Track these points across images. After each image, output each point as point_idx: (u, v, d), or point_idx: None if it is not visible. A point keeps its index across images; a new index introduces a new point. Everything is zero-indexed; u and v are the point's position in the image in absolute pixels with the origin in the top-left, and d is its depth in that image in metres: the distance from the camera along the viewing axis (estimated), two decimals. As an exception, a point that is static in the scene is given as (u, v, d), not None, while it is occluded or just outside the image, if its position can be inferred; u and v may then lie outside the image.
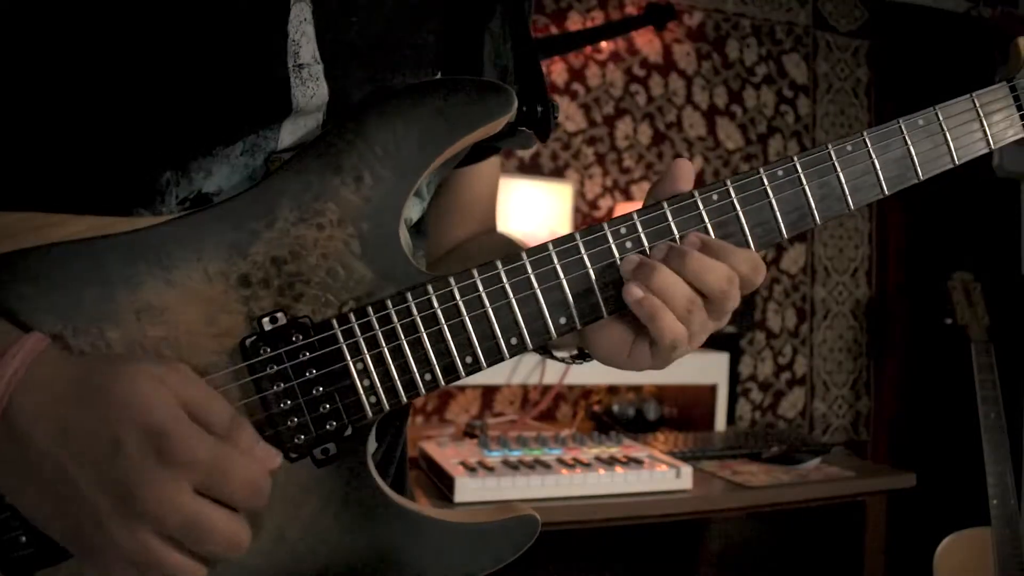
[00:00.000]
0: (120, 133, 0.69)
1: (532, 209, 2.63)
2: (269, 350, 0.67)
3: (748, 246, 0.74)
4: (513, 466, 1.86)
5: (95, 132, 0.69)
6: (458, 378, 0.71)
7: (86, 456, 0.57)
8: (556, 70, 2.90)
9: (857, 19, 3.35)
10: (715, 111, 3.13)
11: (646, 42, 3.03)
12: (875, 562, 2.23)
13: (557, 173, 2.92)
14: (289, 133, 0.74)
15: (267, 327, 0.68)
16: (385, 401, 0.70)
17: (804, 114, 3.26)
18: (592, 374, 2.32)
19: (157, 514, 0.56)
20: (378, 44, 0.78)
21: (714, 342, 2.56)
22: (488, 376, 2.35)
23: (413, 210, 0.86)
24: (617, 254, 0.73)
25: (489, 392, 2.81)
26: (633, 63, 3.02)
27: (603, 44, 2.97)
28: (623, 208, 2.91)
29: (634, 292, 0.70)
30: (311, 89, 0.73)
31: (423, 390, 0.71)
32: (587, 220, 2.94)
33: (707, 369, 2.54)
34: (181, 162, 0.70)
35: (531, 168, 2.87)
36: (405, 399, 0.70)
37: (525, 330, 0.72)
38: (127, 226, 0.67)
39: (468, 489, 1.74)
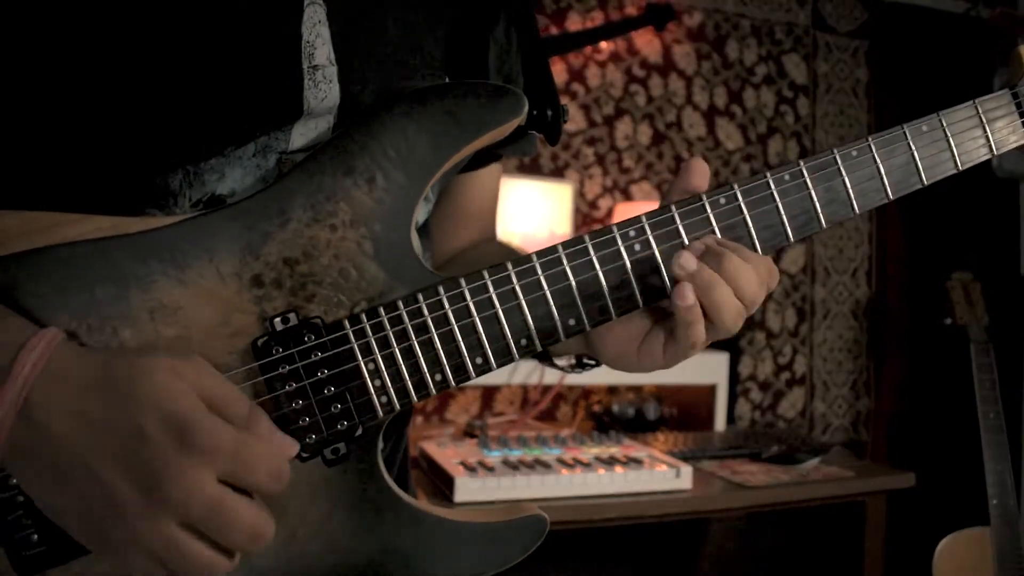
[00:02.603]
0: (131, 134, 0.69)
1: (532, 209, 2.63)
2: (281, 350, 0.68)
3: (755, 249, 0.75)
4: (513, 466, 1.86)
5: (107, 132, 0.69)
6: (468, 378, 0.72)
7: (108, 446, 0.57)
8: (556, 70, 2.90)
9: (857, 19, 3.35)
10: (715, 111, 3.14)
11: (646, 42, 3.03)
12: (875, 562, 2.24)
13: (557, 173, 2.92)
14: (300, 135, 0.74)
15: (279, 327, 0.68)
16: (396, 401, 0.70)
17: (804, 114, 3.26)
18: (592, 374, 2.32)
19: (181, 502, 0.56)
20: (390, 48, 0.79)
21: (714, 342, 2.55)
22: (488, 376, 2.34)
23: (419, 212, 0.86)
24: (626, 256, 0.73)
25: (489, 392, 2.81)
26: (633, 63, 3.02)
27: (603, 44, 2.97)
28: (623, 208, 2.92)
29: (688, 297, 0.69)
30: (323, 91, 0.74)
31: (434, 390, 0.71)
32: (587, 220, 2.95)
33: (707, 369, 2.55)
34: (193, 163, 0.71)
35: (531, 168, 2.87)
36: (416, 399, 0.71)
37: (535, 331, 0.72)
38: (141, 226, 0.67)
39: (468, 489, 1.74)
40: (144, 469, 0.56)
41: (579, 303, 0.73)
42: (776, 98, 3.22)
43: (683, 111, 3.09)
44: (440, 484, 1.84)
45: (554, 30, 2.89)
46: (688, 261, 0.70)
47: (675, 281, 0.71)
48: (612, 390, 2.78)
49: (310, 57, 0.73)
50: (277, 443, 0.62)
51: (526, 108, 0.74)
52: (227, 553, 0.60)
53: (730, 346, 2.73)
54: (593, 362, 0.84)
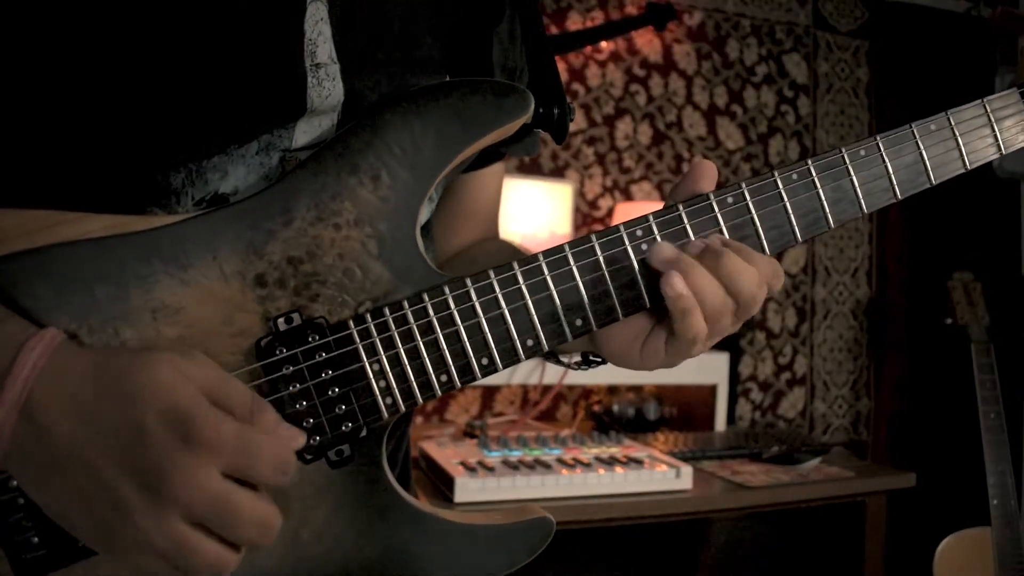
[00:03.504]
0: (133, 132, 0.69)
1: (532, 209, 2.62)
2: (285, 351, 0.67)
3: (763, 249, 0.74)
4: (513, 466, 1.86)
5: (108, 130, 0.68)
6: (474, 379, 0.71)
7: (110, 445, 0.56)
8: (556, 69, 2.90)
9: (857, 19, 3.35)
10: (715, 111, 3.13)
11: (646, 42, 3.03)
12: (875, 562, 2.24)
13: (557, 173, 2.92)
14: (304, 132, 0.74)
15: (282, 327, 0.67)
16: (401, 402, 0.70)
17: (804, 114, 3.26)
18: (592, 374, 2.30)
19: (185, 498, 0.55)
20: (393, 46, 0.78)
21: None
22: (489, 376, 2.35)
23: (423, 212, 0.86)
24: (633, 256, 0.72)
25: (489, 392, 2.80)
26: (633, 63, 3.02)
27: (603, 44, 2.97)
28: (623, 208, 2.91)
29: (676, 285, 0.68)
30: (327, 89, 0.73)
31: (439, 391, 0.70)
32: (587, 220, 2.94)
33: (707, 369, 2.54)
34: (196, 161, 0.70)
35: (531, 168, 2.87)
36: (421, 400, 0.70)
37: (541, 332, 0.72)
38: (143, 225, 0.66)
39: (468, 489, 1.74)
40: (147, 467, 0.55)
41: (586, 303, 0.72)
42: (777, 98, 3.22)
43: (683, 111, 3.09)
44: (440, 484, 1.83)
45: (554, 30, 2.89)
46: (663, 250, 0.70)
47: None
48: (612, 390, 2.78)
49: (312, 55, 0.73)
50: (282, 434, 0.61)
51: (532, 106, 0.73)
52: (234, 548, 0.59)
53: (730, 346, 2.73)
54: (599, 359, 0.84)
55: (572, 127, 2.89)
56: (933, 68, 3.19)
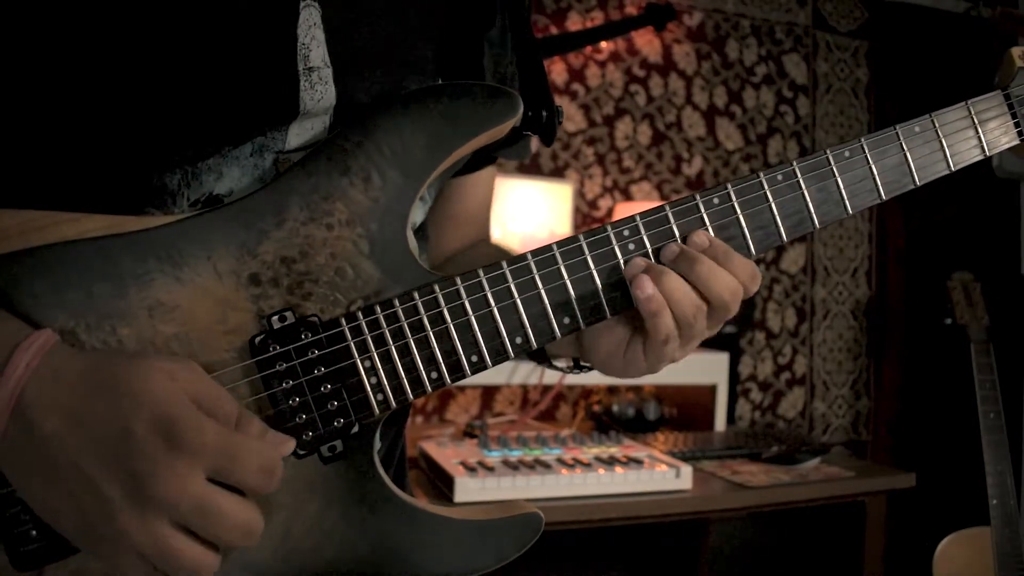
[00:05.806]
0: (129, 134, 0.70)
1: (532, 209, 2.63)
2: (278, 347, 0.68)
3: (748, 249, 0.76)
4: (513, 466, 1.86)
5: (105, 132, 0.69)
6: (464, 376, 0.72)
7: (97, 446, 0.57)
8: (556, 70, 2.91)
9: (857, 19, 3.35)
10: (715, 111, 3.14)
11: (646, 42, 3.04)
12: (875, 562, 2.24)
13: (557, 173, 2.93)
14: (296, 135, 0.75)
15: (276, 325, 0.68)
16: (392, 399, 0.71)
17: (804, 114, 3.26)
18: (592, 374, 2.30)
19: (168, 500, 0.57)
20: (385, 50, 0.79)
21: (714, 342, 2.55)
22: (488, 376, 2.35)
23: (416, 213, 0.87)
24: (620, 256, 0.74)
25: (489, 392, 2.81)
26: (633, 63, 3.02)
27: (603, 44, 2.98)
28: (623, 208, 2.92)
29: (646, 288, 0.71)
30: (319, 92, 0.74)
31: (429, 388, 0.71)
32: (587, 220, 2.95)
33: (707, 369, 2.55)
34: (191, 163, 0.71)
35: (531, 168, 2.87)
36: (412, 397, 0.71)
37: (530, 330, 0.73)
38: (139, 225, 0.67)
39: (468, 489, 1.74)
40: (132, 469, 0.57)
41: (574, 302, 0.73)
42: (776, 98, 3.23)
43: (683, 111, 3.09)
44: (440, 484, 1.84)
45: (554, 30, 2.89)
46: (634, 264, 0.73)
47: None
48: (612, 390, 2.78)
49: (305, 59, 0.74)
50: (270, 440, 0.62)
51: (521, 109, 0.74)
52: (216, 550, 0.60)
53: (730, 346, 2.73)
54: (587, 365, 0.85)
55: (572, 127, 2.91)
56: (933, 68, 3.19)
